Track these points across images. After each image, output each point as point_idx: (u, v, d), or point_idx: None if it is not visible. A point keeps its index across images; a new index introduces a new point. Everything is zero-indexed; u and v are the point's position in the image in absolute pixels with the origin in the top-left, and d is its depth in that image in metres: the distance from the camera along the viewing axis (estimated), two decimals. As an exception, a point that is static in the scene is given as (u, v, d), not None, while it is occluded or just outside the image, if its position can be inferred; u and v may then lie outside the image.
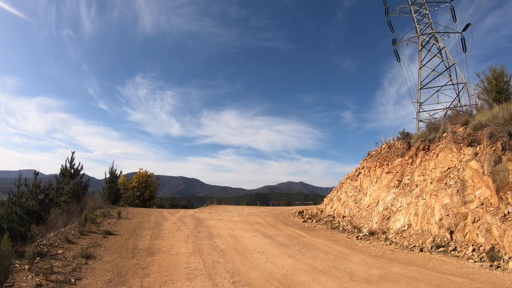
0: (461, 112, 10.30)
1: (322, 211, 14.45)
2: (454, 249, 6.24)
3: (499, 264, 5.14)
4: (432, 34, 26.12)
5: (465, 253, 5.95)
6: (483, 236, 5.90)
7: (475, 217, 6.25)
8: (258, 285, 4.35)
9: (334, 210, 13.56)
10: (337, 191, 14.88)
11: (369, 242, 8.11)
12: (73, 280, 4.41)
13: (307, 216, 13.46)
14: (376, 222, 9.47)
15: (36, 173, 9.30)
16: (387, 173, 10.98)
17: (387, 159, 11.49)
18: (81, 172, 14.29)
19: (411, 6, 27.84)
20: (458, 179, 7.17)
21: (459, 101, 23.01)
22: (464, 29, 25.42)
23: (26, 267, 4.75)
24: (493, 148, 6.57)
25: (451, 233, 6.69)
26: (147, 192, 23.00)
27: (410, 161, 10.07)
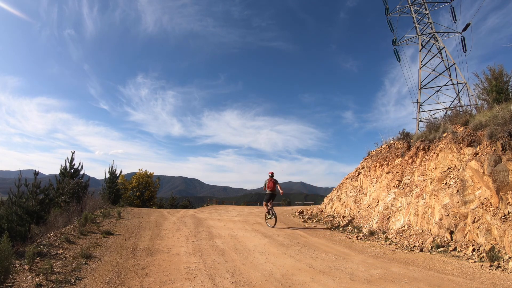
0: (461, 112, 10.29)
1: (322, 211, 14.45)
2: (454, 249, 6.24)
3: (499, 264, 5.14)
4: (432, 34, 26.13)
5: (465, 253, 5.95)
6: (483, 236, 5.90)
7: (475, 217, 6.25)
8: (258, 285, 4.35)
9: (334, 210, 13.56)
10: (337, 191, 14.87)
11: (369, 242, 8.11)
12: (73, 280, 4.41)
13: (307, 216, 13.45)
14: (376, 222, 9.47)
15: (36, 173, 9.32)
16: (387, 173, 10.98)
17: (387, 159, 11.49)
18: (81, 172, 14.35)
19: (411, 6, 27.86)
20: (458, 179, 7.17)
21: (459, 101, 23.03)
22: (464, 29, 25.44)
23: (26, 267, 4.75)
24: (493, 148, 6.57)
25: (451, 233, 6.69)
26: (147, 192, 23.00)
27: (410, 161, 10.06)
